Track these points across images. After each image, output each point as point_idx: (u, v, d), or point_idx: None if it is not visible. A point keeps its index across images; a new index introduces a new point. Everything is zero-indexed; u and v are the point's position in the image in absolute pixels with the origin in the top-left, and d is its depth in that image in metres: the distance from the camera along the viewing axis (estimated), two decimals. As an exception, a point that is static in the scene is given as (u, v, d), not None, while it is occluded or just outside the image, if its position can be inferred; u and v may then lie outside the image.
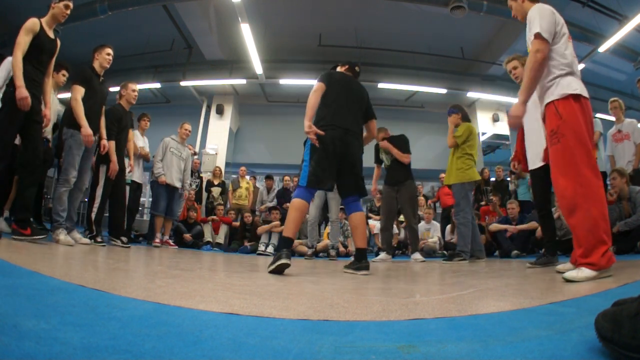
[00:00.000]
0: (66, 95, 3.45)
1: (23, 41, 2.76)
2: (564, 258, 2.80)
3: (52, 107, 3.69)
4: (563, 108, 1.89)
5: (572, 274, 1.75)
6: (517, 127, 1.93)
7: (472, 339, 0.82)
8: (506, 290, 1.64)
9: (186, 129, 5.00)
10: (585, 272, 1.72)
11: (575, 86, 1.92)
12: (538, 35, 1.93)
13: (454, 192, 3.99)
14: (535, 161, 2.83)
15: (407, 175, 4.26)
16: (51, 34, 2.98)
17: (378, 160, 4.55)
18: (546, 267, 2.70)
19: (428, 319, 1.03)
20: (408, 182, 4.21)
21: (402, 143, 4.34)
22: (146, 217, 8.47)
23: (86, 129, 3.20)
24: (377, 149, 4.52)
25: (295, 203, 2.45)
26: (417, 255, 4.11)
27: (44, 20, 2.92)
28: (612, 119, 4.74)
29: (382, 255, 4.21)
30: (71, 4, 3.05)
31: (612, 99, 4.63)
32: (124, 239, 4.03)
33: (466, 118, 4.18)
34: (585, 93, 1.94)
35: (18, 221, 2.78)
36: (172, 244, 4.90)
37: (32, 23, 2.82)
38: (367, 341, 0.81)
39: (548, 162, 2.73)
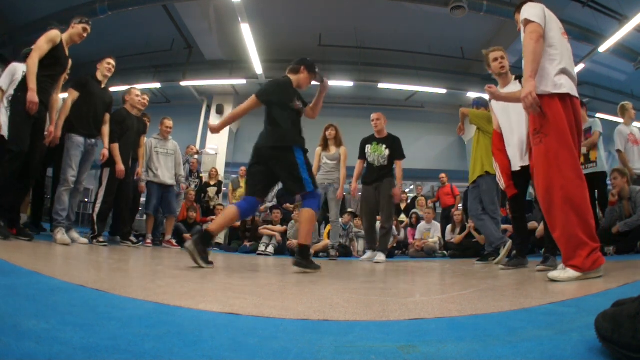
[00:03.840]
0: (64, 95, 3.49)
1: (43, 47, 2.81)
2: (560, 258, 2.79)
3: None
4: (547, 107, 1.82)
5: (555, 273, 1.75)
6: (537, 107, 1.80)
7: (472, 339, 0.82)
8: (506, 290, 1.64)
9: (167, 126, 4.85)
10: (569, 272, 1.70)
11: (564, 84, 1.85)
12: (527, 20, 1.87)
13: (484, 185, 3.59)
14: (515, 161, 2.73)
15: (387, 174, 4.08)
16: (66, 51, 3.06)
17: (362, 155, 4.20)
18: (549, 267, 2.68)
19: (428, 319, 1.03)
20: (387, 180, 4.04)
21: (400, 146, 4.15)
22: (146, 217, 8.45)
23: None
24: (364, 143, 4.24)
25: (312, 214, 2.35)
26: (379, 256, 3.90)
27: (63, 36, 3.01)
28: (612, 118, 4.72)
29: (368, 254, 4.13)
30: (89, 29, 3.16)
31: (627, 102, 4.54)
32: (134, 239, 4.12)
33: None
34: (574, 92, 1.88)
35: (8, 219, 2.84)
36: (175, 244, 4.90)
37: (55, 34, 2.89)
38: (367, 341, 0.81)
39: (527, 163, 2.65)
